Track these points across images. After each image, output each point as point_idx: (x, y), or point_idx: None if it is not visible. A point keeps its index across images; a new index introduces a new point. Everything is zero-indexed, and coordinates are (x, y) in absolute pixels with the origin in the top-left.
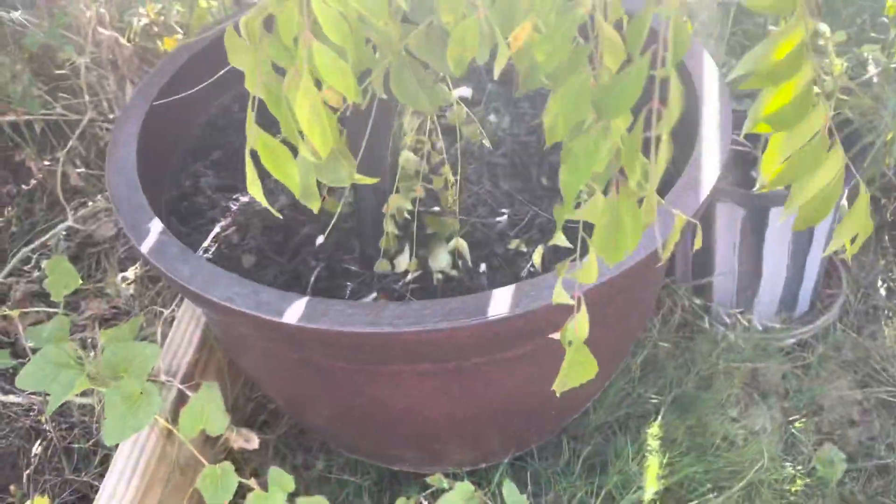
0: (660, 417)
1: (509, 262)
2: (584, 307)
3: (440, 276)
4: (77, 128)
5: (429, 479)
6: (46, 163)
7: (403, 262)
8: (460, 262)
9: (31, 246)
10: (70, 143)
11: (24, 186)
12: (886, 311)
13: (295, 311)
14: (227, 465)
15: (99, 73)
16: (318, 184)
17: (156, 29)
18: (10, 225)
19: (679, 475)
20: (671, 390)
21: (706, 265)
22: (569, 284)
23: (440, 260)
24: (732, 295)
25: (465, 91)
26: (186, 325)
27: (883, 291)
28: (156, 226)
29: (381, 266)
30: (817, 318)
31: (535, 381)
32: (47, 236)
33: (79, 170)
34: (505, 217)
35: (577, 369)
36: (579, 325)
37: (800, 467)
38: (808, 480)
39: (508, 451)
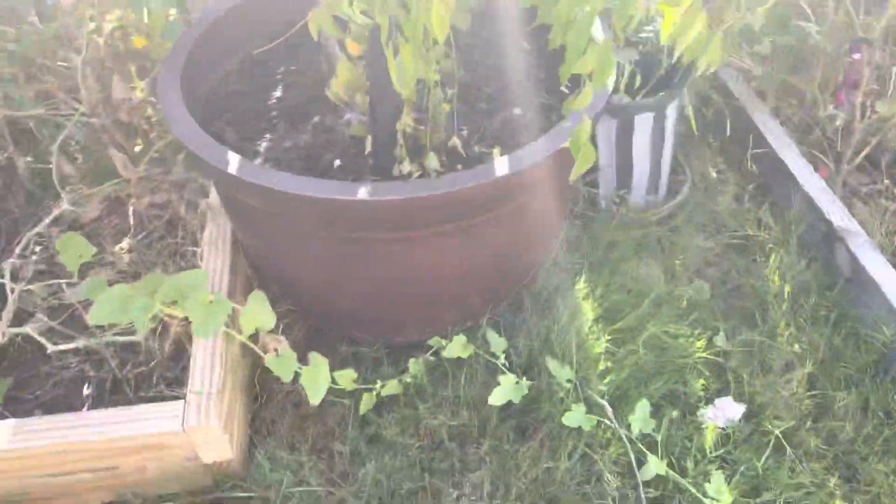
0: (583, 275)
1: (476, 160)
2: (588, 121)
3: (434, 173)
4: (66, 122)
5: (429, 342)
6: (29, 159)
7: (407, 166)
8: (445, 161)
9: (34, 231)
10: (63, 134)
11: None
12: (718, 186)
13: (362, 190)
14: (287, 348)
15: (84, 71)
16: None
17: (118, 34)
18: None
19: (606, 304)
20: (587, 257)
21: (594, 166)
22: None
23: (433, 162)
24: (614, 186)
25: None
26: (217, 257)
27: (714, 174)
28: (236, 158)
29: (396, 170)
30: (674, 197)
31: (511, 236)
32: (46, 221)
33: (65, 166)
34: (465, 131)
35: (586, 159)
36: (584, 128)
37: (683, 291)
38: (690, 300)
39: (487, 309)
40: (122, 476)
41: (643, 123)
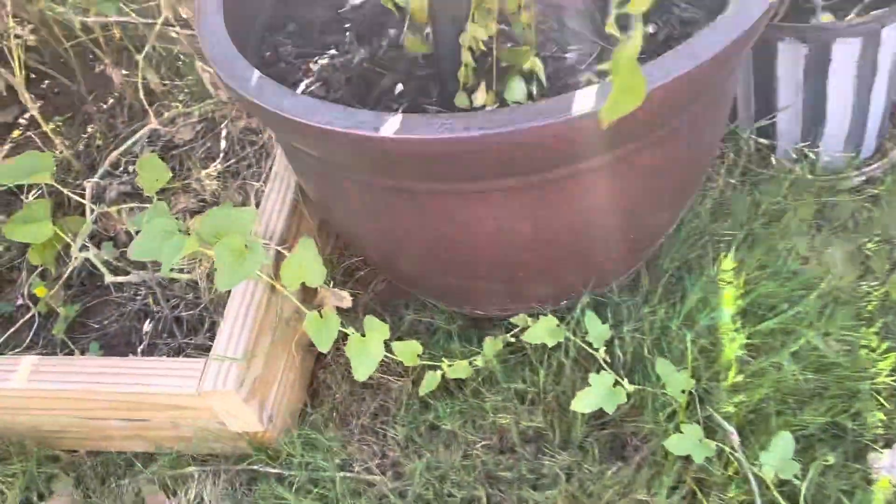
0: (732, 251)
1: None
2: (640, 25)
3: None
4: (151, 32)
5: (513, 319)
6: (124, 72)
7: (481, 96)
8: (535, 93)
9: (119, 150)
10: (147, 46)
11: (102, 105)
12: None
13: (391, 126)
14: (330, 310)
15: None
16: None
17: None
18: (96, 139)
19: (754, 294)
20: (741, 228)
21: (769, 108)
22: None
23: (516, 91)
24: (797, 136)
25: None
26: (277, 194)
27: None
28: (254, 74)
29: (460, 100)
30: (886, 154)
31: (613, 198)
32: (132, 140)
33: (153, 79)
34: (574, 53)
35: (627, 94)
36: (635, 39)
37: (876, 285)
38: (884, 299)
39: (588, 285)
40: (156, 430)
41: (846, 53)
